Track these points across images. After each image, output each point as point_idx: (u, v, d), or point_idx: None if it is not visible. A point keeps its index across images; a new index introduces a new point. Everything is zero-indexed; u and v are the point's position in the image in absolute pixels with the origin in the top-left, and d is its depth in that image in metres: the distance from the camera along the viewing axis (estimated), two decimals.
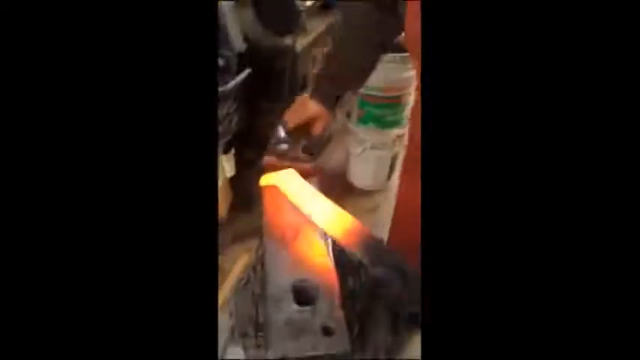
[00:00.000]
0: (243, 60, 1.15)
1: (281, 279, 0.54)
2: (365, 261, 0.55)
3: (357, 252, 0.56)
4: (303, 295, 0.53)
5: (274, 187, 0.72)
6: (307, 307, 0.50)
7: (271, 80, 1.25)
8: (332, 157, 1.92)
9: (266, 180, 0.74)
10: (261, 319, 0.64)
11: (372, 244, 0.58)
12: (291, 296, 0.52)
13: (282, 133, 0.82)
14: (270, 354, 0.45)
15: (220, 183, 1.43)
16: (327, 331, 0.47)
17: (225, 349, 1.22)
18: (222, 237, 1.52)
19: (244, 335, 0.69)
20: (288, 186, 0.71)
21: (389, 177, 1.83)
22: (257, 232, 1.61)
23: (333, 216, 0.63)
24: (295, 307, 0.50)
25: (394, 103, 1.56)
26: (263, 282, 0.64)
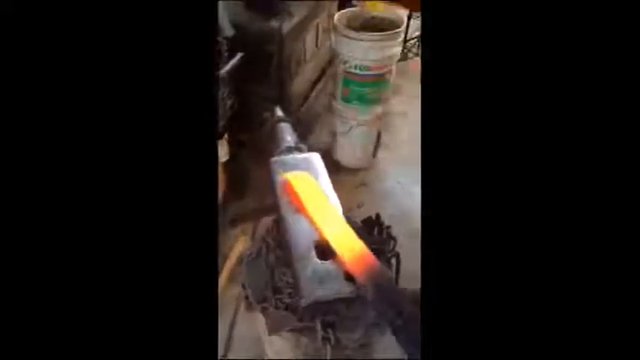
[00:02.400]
0: (232, 45, 1.17)
1: (302, 240, 0.60)
2: (368, 295, 0.52)
3: (363, 283, 0.52)
4: (323, 251, 0.59)
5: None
6: (329, 261, 0.56)
7: (260, 63, 1.28)
8: (319, 137, 1.97)
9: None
10: (279, 283, 0.69)
11: (378, 278, 0.52)
12: (313, 253, 0.57)
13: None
14: (303, 302, 0.51)
15: None
16: (349, 278, 0.53)
17: (234, 319, 1.28)
18: (218, 221, 1.55)
19: (263, 300, 0.74)
20: (304, 191, 0.67)
21: (374, 154, 1.90)
22: (251, 214, 1.64)
23: (343, 235, 0.59)
24: (319, 261, 0.56)
25: (378, 80, 1.62)
26: (279, 249, 0.69)
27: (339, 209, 0.66)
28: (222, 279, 1.39)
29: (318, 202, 0.64)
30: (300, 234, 0.61)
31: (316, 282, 0.53)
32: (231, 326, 1.26)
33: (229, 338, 1.24)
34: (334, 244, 0.56)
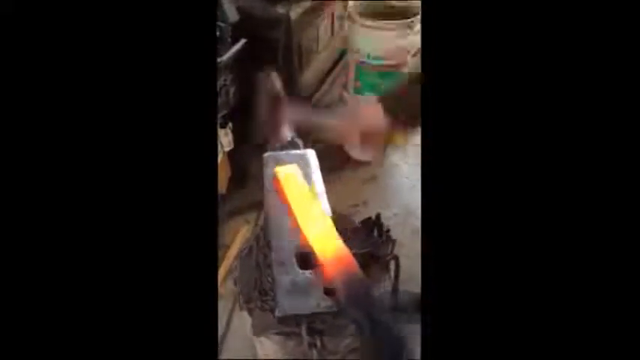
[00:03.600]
0: (236, 30, 1.13)
1: (284, 245, 0.56)
2: (342, 299, 0.48)
3: (337, 286, 0.49)
4: (306, 260, 0.56)
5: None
6: (310, 271, 0.53)
7: (266, 50, 1.24)
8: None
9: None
10: (265, 285, 0.66)
11: (355, 284, 0.48)
12: (294, 261, 0.54)
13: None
14: (277, 312, 0.48)
15: (219, 158, 1.44)
16: (329, 292, 0.49)
17: (230, 315, 1.27)
18: (222, 211, 1.54)
19: (249, 301, 0.72)
20: (291, 188, 0.64)
21: (385, 148, 1.84)
22: (255, 205, 1.63)
23: (325, 236, 0.55)
24: (299, 270, 0.52)
25: (392, 71, 1.55)
26: (267, 248, 0.66)
27: (328, 209, 0.62)
28: (223, 268, 1.38)
29: (304, 199, 0.61)
30: (283, 237, 0.58)
31: (294, 294, 0.49)
32: (228, 322, 1.25)
33: (225, 334, 1.23)
34: (314, 244, 0.53)
